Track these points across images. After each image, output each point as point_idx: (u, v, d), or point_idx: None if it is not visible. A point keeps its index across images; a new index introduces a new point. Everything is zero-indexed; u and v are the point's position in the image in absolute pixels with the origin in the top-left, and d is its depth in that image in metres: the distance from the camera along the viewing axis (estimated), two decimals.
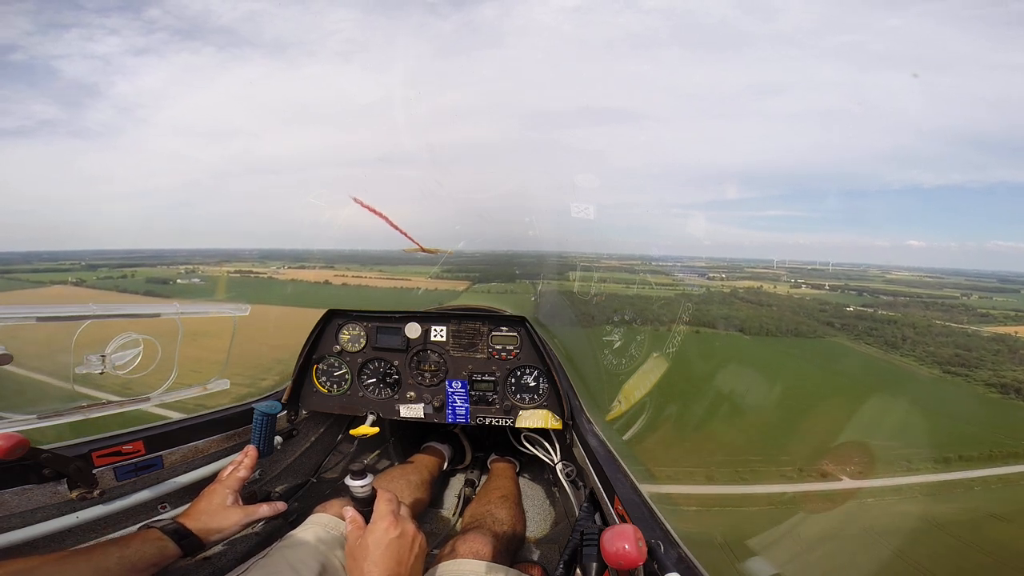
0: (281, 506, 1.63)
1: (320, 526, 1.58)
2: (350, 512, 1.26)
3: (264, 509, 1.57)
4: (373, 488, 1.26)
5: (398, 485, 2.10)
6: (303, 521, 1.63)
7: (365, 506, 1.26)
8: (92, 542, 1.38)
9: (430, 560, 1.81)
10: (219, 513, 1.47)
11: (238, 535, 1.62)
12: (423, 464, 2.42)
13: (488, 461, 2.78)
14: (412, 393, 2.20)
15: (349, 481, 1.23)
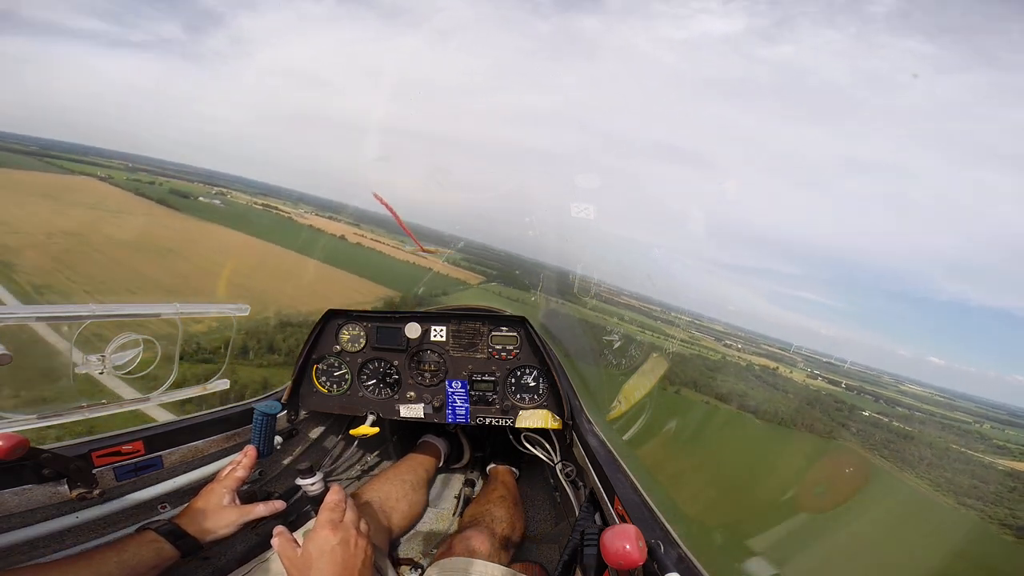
0: (279, 505, 1.63)
1: None
2: (278, 528, 1.25)
3: (260, 509, 1.56)
4: (326, 485, 1.25)
5: (393, 486, 2.10)
6: (303, 522, 1.63)
7: (318, 504, 1.25)
8: (91, 543, 1.38)
9: (428, 559, 1.81)
10: (215, 513, 1.46)
11: (238, 535, 1.62)
12: (419, 463, 2.41)
13: (488, 468, 2.77)
14: (412, 393, 2.20)
15: (299, 480, 1.22)
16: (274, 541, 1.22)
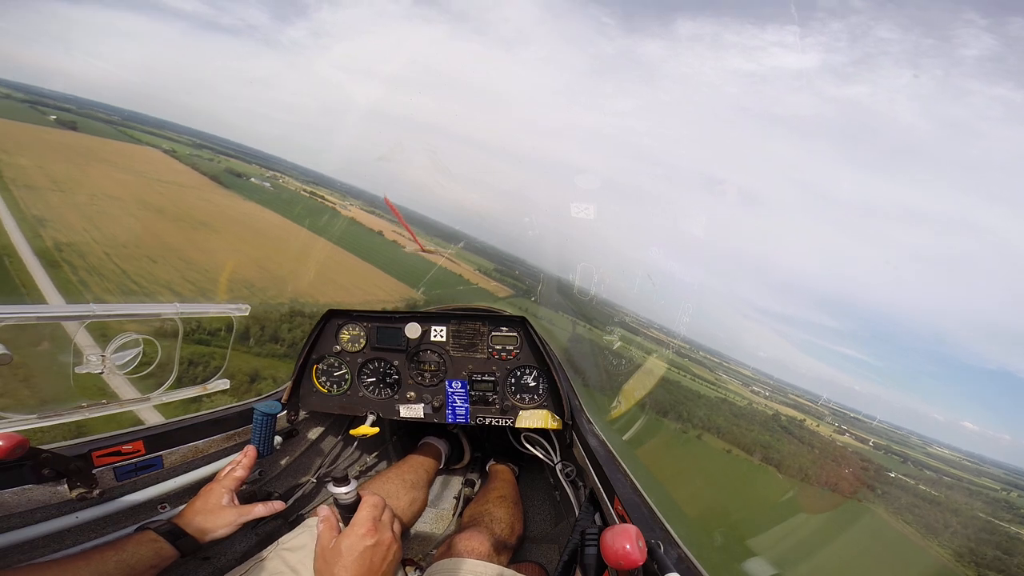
0: (278, 505, 1.63)
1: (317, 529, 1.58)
2: (324, 511, 1.24)
3: (260, 509, 1.56)
4: (358, 495, 1.24)
5: (394, 485, 2.10)
6: (302, 522, 1.63)
7: (349, 512, 1.23)
8: (91, 543, 1.38)
9: (427, 560, 1.81)
10: (214, 513, 1.46)
11: (237, 535, 1.62)
12: (419, 463, 2.41)
13: (487, 466, 2.77)
14: (412, 393, 2.20)
15: (332, 488, 1.21)
16: (319, 524, 1.21)
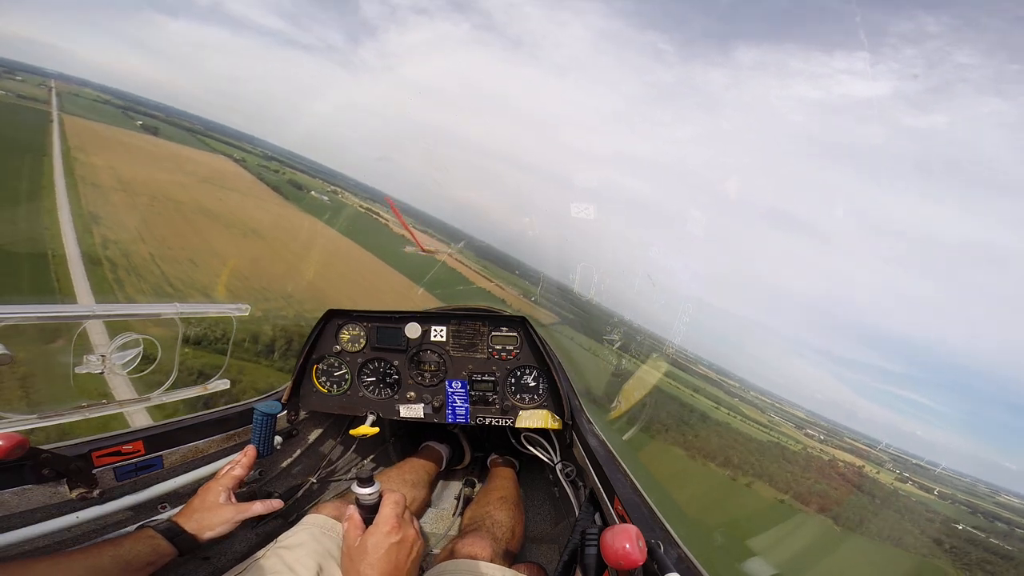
0: (276, 504, 1.63)
1: (316, 527, 1.57)
2: (350, 510, 1.25)
3: (257, 507, 1.56)
4: (380, 494, 1.25)
5: (395, 485, 2.10)
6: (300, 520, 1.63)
7: (371, 513, 1.23)
8: (89, 543, 1.38)
9: (429, 561, 1.81)
10: (212, 510, 1.46)
11: (237, 535, 1.62)
12: (421, 464, 2.42)
13: (488, 462, 2.78)
14: (412, 393, 2.20)
15: (356, 488, 1.21)
16: (344, 523, 1.21)
